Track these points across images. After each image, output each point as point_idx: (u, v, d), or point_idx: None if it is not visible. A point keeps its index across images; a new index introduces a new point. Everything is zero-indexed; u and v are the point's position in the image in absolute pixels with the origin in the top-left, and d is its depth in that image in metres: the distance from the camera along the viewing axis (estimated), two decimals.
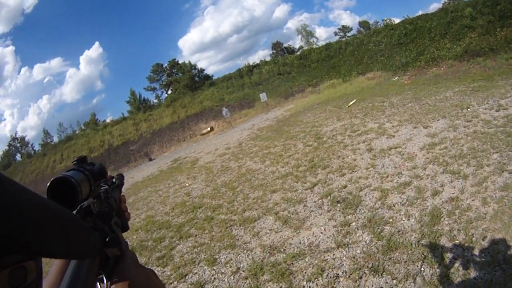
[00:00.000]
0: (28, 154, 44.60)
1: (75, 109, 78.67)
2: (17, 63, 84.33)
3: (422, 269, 2.91)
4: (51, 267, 0.63)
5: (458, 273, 2.74)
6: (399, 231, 3.61)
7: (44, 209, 0.40)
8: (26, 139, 47.76)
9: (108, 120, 43.34)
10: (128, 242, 0.74)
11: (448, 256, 3.00)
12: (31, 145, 47.08)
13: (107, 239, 0.60)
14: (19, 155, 46.30)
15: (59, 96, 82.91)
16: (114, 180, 0.96)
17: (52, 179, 0.56)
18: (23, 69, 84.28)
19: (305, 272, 3.40)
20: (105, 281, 0.59)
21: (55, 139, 44.48)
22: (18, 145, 46.78)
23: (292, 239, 4.18)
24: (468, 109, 7.51)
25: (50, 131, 47.84)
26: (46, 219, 0.39)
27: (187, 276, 4.13)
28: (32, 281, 0.39)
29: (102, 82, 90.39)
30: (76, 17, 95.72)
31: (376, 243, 3.52)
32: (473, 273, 2.69)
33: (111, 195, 0.82)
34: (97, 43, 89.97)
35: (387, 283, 2.89)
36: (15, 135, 47.48)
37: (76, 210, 0.60)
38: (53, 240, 0.41)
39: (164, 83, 46.97)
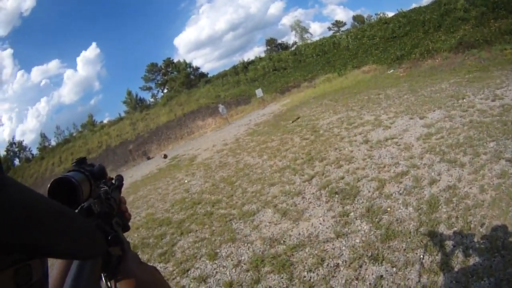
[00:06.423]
0: (26, 159, 44.48)
1: (74, 110, 78.73)
2: (15, 66, 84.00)
3: (422, 256, 2.93)
4: (51, 269, 0.63)
5: (457, 260, 2.76)
6: (397, 220, 3.63)
7: (50, 210, 0.40)
8: (24, 143, 47.79)
9: (105, 121, 43.43)
10: (130, 240, 0.75)
11: (447, 243, 3.01)
12: (29, 149, 46.98)
13: (109, 238, 0.61)
14: (17, 159, 46.17)
15: (57, 98, 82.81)
16: (113, 181, 0.96)
17: (52, 179, 0.57)
18: (20, 72, 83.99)
19: (306, 263, 3.42)
20: (103, 280, 0.59)
21: (53, 142, 44.46)
22: (16, 149, 46.62)
23: (292, 230, 4.19)
24: (464, 100, 7.53)
25: (48, 134, 47.97)
26: (53, 220, 0.39)
27: (189, 271, 4.13)
28: (38, 280, 0.39)
29: (100, 83, 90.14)
30: (73, 18, 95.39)
31: (375, 232, 3.54)
32: (472, 260, 2.70)
33: (111, 195, 0.82)
34: (94, 44, 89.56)
35: (387, 271, 2.91)
36: (13, 140, 47.36)
37: (77, 210, 0.60)
38: (61, 242, 0.41)
39: (159, 82, 47.02)
